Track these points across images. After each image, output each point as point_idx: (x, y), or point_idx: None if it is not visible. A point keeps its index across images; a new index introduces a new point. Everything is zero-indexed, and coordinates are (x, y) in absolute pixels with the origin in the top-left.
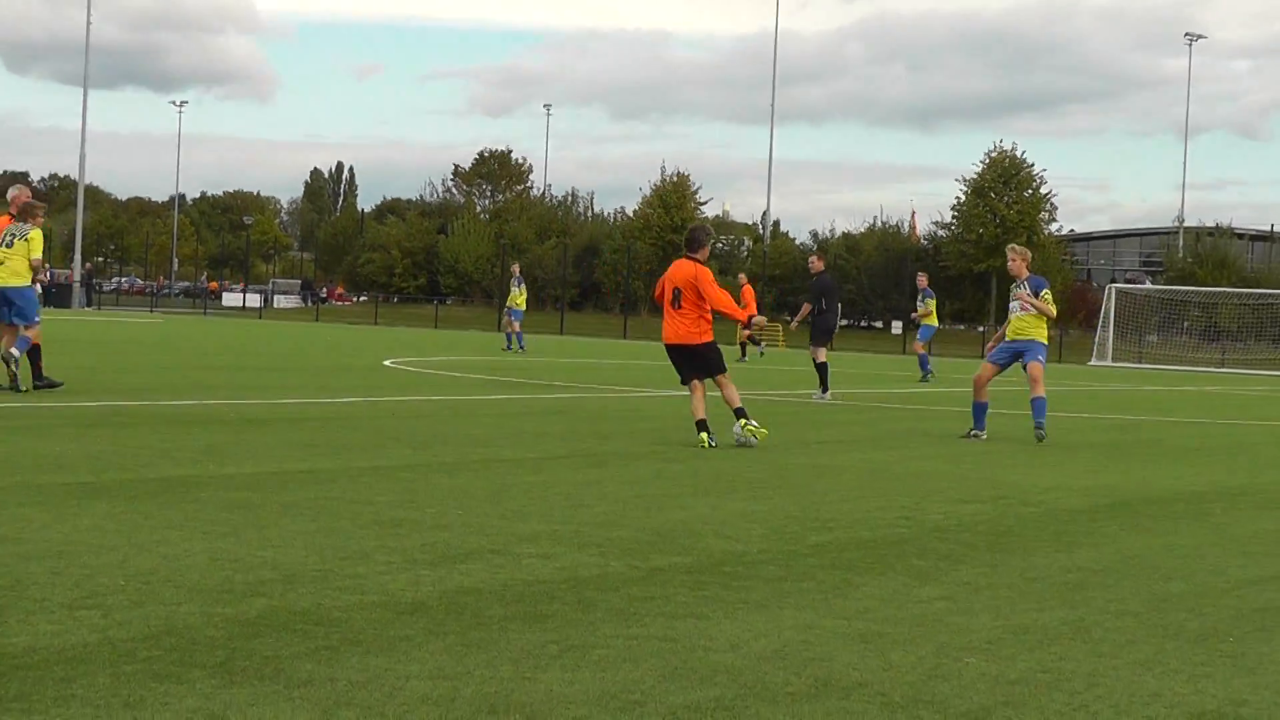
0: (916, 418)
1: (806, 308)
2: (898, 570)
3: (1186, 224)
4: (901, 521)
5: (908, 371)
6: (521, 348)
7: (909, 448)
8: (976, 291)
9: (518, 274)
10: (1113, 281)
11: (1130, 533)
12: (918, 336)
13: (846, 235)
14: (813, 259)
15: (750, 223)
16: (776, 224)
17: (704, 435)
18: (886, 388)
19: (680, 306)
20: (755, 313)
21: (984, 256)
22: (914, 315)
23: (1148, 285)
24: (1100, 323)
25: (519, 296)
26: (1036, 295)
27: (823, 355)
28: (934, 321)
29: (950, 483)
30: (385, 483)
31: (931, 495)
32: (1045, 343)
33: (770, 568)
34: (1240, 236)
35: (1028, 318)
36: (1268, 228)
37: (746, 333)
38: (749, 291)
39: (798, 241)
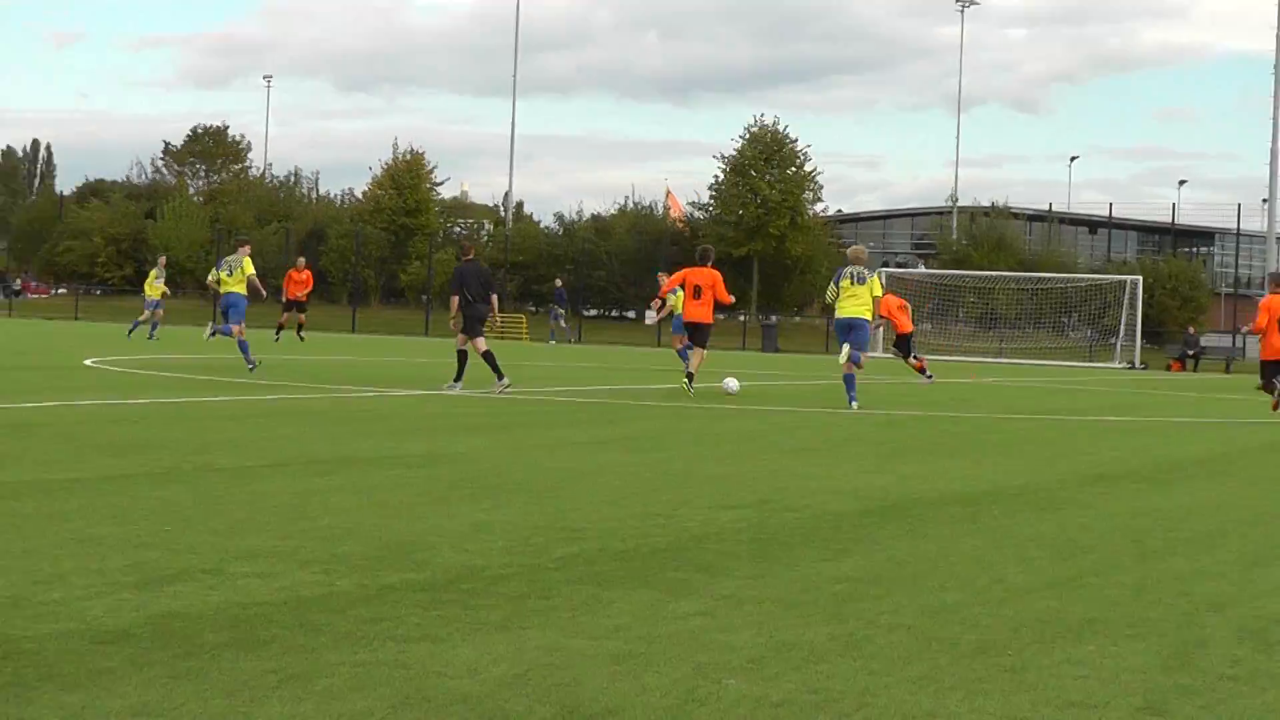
0: (674, 415)
1: (454, 300)
2: (652, 584)
3: (961, 203)
4: (657, 530)
5: (667, 365)
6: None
7: (666, 448)
8: (736, 278)
9: (161, 264)
10: (884, 265)
11: (903, 538)
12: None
13: (596, 217)
14: (464, 242)
15: (491, 205)
16: (520, 206)
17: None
18: (644, 382)
19: (700, 298)
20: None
21: (744, 239)
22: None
23: (921, 269)
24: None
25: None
26: None
27: (484, 344)
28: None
29: (710, 486)
30: (84, 496)
31: (690, 500)
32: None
33: (513, 584)
34: (1017, 216)
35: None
36: (1045, 206)
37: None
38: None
39: (543, 225)
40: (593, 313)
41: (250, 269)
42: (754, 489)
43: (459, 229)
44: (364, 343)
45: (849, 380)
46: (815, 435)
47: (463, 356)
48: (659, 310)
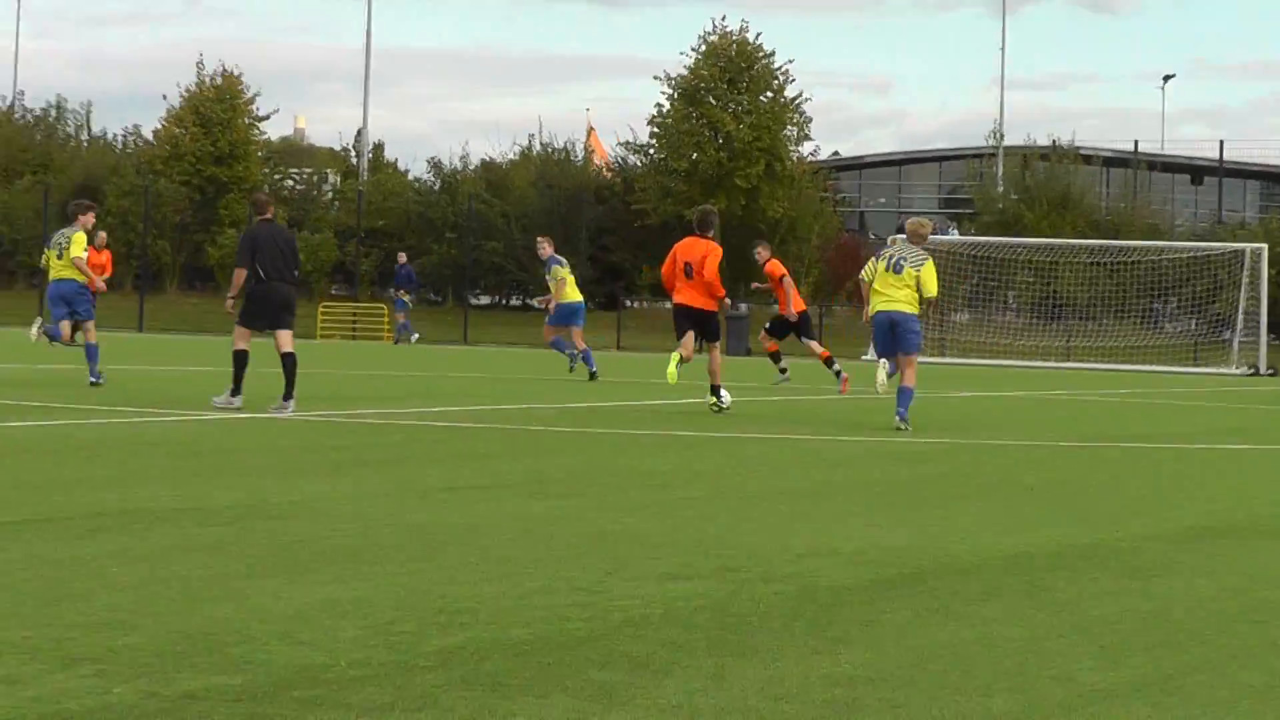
0: (599, 447)
1: (240, 274)
2: (569, 690)
3: (1009, 142)
4: (576, 611)
5: (589, 378)
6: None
7: (587, 493)
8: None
9: (550, 252)
10: (899, 231)
11: (927, 621)
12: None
13: (487, 165)
14: (259, 195)
15: (338, 148)
16: (378, 150)
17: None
18: (558, 398)
19: (692, 278)
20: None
21: (700, 195)
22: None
23: (953, 235)
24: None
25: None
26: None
27: (289, 342)
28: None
29: (652, 548)
30: None
31: (623, 568)
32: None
33: (370, 690)
34: (1089, 160)
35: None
36: (1128, 146)
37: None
38: None
39: (412, 176)
40: (484, 301)
41: (79, 249)
42: (714, 551)
43: (292, 182)
44: (157, 345)
45: (902, 394)
46: (802, 474)
47: (241, 359)
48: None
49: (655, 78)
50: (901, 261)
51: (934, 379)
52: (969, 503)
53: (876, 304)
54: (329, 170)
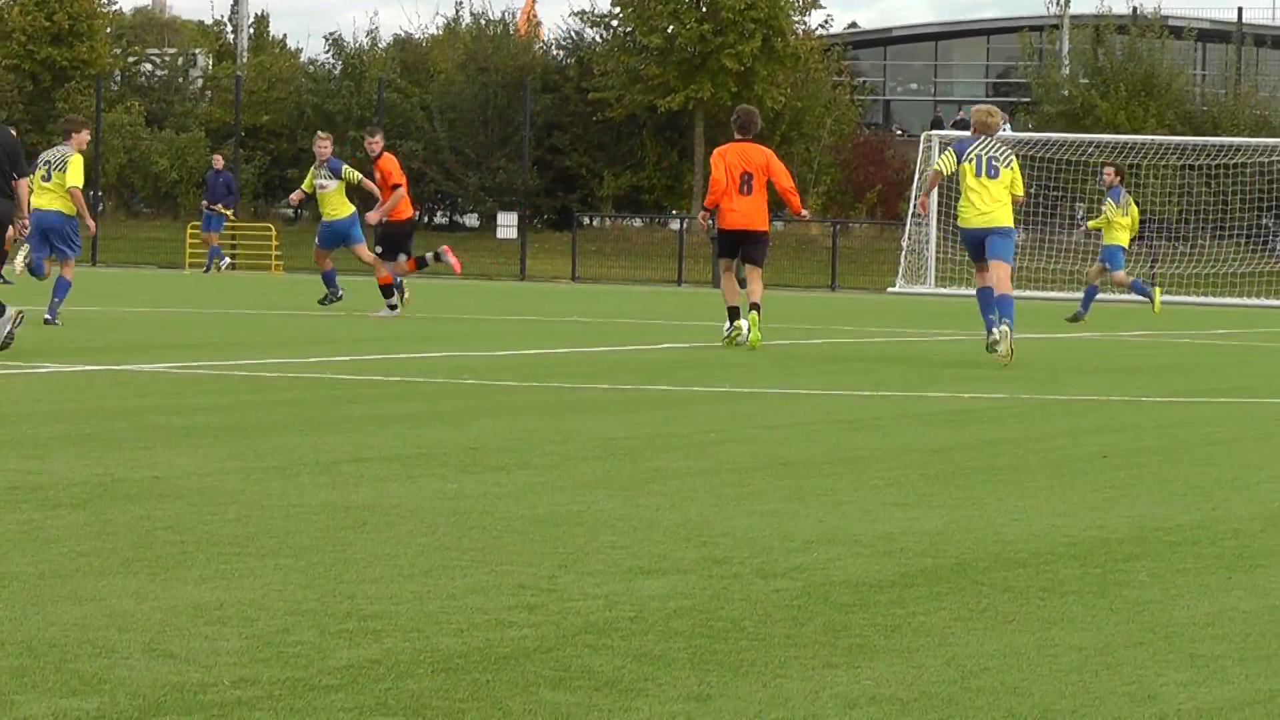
0: (542, 406)
1: None
2: (510, 715)
3: (1076, 9)
4: (522, 615)
5: (525, 304)
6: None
7: (530, 466)
8: (666, 150)
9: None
10: (934, 127)
11: (970, 623)
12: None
13: (402, 42)
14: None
15: (209, 22)
16: (261, 23)
17: (739, 324)
18: (489, 344)
19: (751, 191)
20: None
21: (679, 82)
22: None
23: (1005, 130)
24: (909, 209)
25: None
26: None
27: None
28: (1123, 238)
29: (616, 534)
30: None
31: (578, 561)
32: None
33: (259, 715)
34: (1180, 35)
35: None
36: (1230, 14)
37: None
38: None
39: (304, 57)
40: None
41: (78, 175)
42: (698, 539)
43: (150, 66)
44: None
45: (1005, 303)
46: (810, 440)
47: None
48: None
49: None
50: (994, 162)
51: (975, 316)
52: (1024, 476)
53: (970, 218)
54: (197, 50)
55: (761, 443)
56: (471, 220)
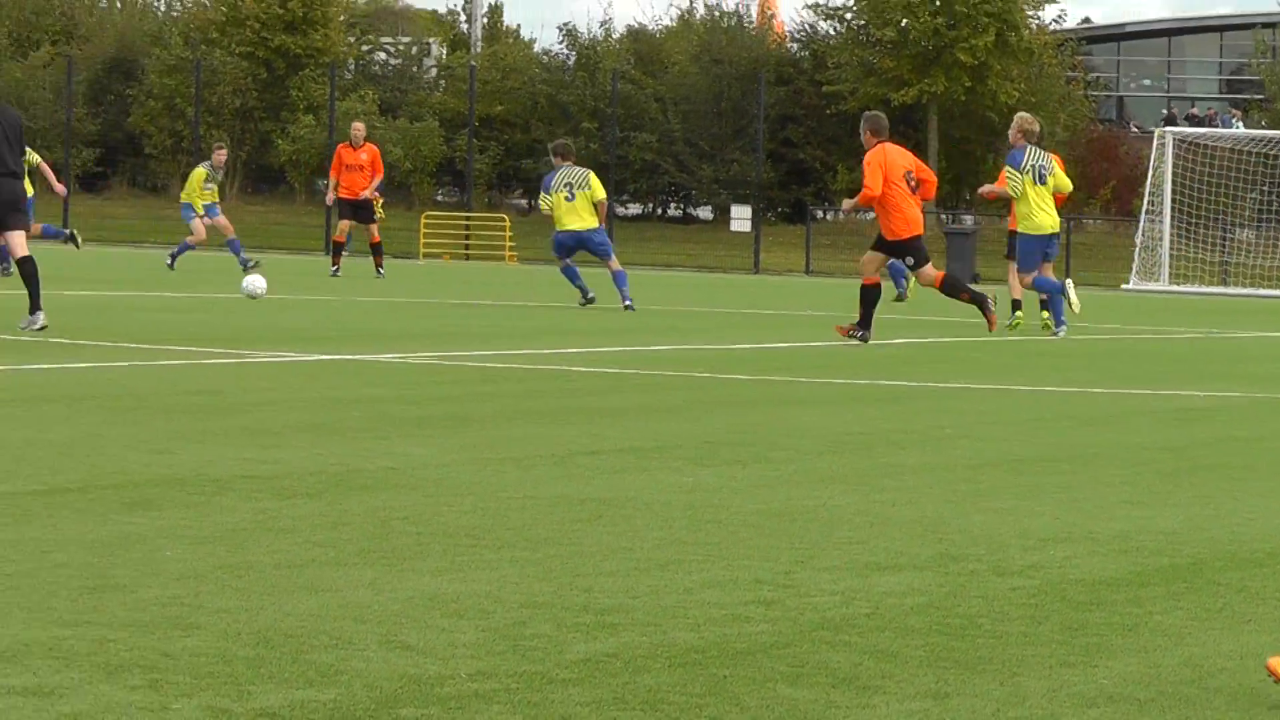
0: (799, 401)
1: None
2: (747, 710)
3: None
4: (758, 610)
5: (758, 297)
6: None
7: (755, 460)
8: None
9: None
10: (1168, 123)
11: (1208, 622)
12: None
13: (636, 33)
14: None
15: (443, 11)
16: (496, 13)
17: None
18: (722, 337)
19: (916, 191)
20: None
21: (912, 75)
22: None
23: (1237, 128)
24: (1144, 205)
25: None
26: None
27: (23, 246)
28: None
29: (857, 530)
30: None
31: (819, 554)
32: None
33: (496, 709)
34: None
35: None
36: None
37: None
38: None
39: (538, 47)
40: (633, 210)
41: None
42: (934, 535)
43: (384, 55)
44: (211, 264)
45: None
46: (1044, 436)
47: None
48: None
49: None
50: (1044, 171)
51: (1212, 314)
52: (1259, 475)
53: (1042, 223)
54: (432, 40)
55: (995, 439)
56: (705, 213)
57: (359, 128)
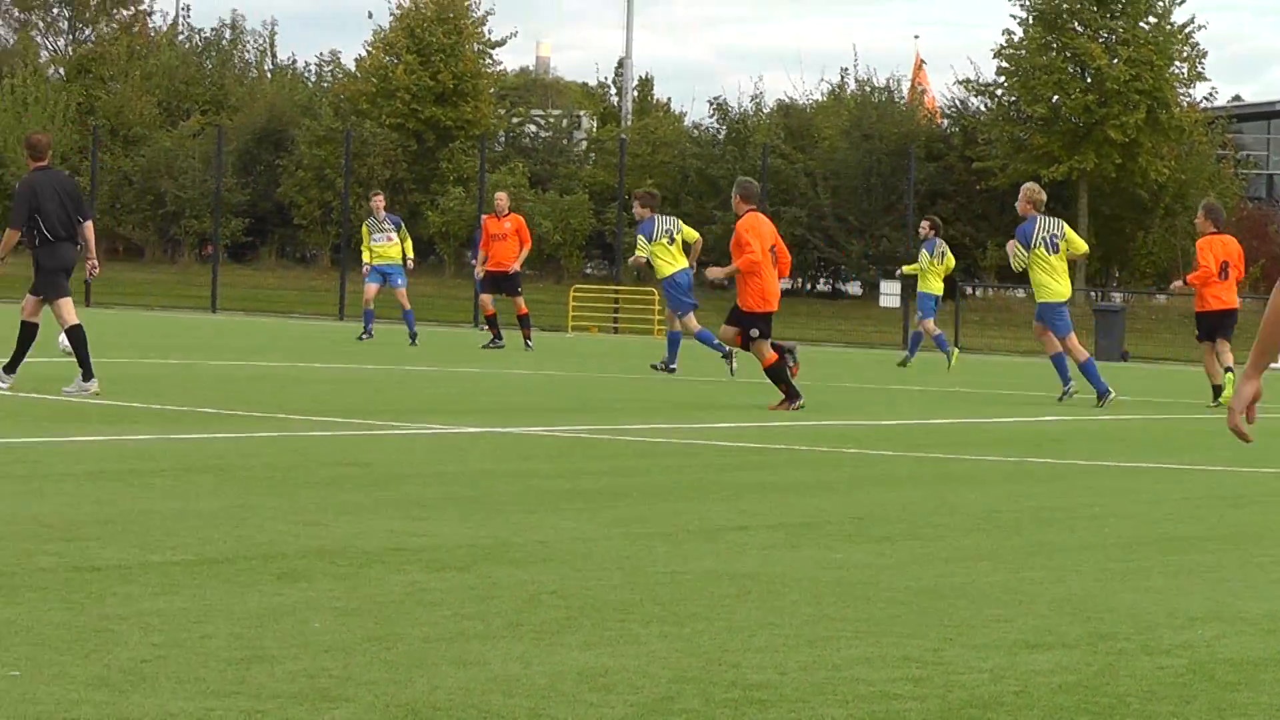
0: (949, 478)
1: (13, 235)
2: None
3: None
4: (907, 686)
5: (907, 373)
6: (366, 333)
7: (927, 536)
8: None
9: (380, 208)
10: None
11: None
12: (917, 309)
13: (786, 108)
14: (36, 136)
15: (593, 84)
16: (645, 85)
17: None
18: (872, 412)
19: (1227, 277)
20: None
21: (1063, 153)
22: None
23: None
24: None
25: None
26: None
27: (72, 314)
28: (936, 287)
29: (1005, 607)
30: None
31: (967, 632)
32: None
33: None
34: None
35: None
36: None
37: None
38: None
39: (688, 120)
40: (783, 285)
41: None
42: (1082, 613)
43: (535, 127)
44: (357, 331)
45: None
46: (1192, 515)
47: (30, 331)
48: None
49: None
50: (1056, 239)
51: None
52: None
53: (1061, 290)
54: (581, 112)
55: (1144, 518)
56: (854, 288)
57: (501, 197)
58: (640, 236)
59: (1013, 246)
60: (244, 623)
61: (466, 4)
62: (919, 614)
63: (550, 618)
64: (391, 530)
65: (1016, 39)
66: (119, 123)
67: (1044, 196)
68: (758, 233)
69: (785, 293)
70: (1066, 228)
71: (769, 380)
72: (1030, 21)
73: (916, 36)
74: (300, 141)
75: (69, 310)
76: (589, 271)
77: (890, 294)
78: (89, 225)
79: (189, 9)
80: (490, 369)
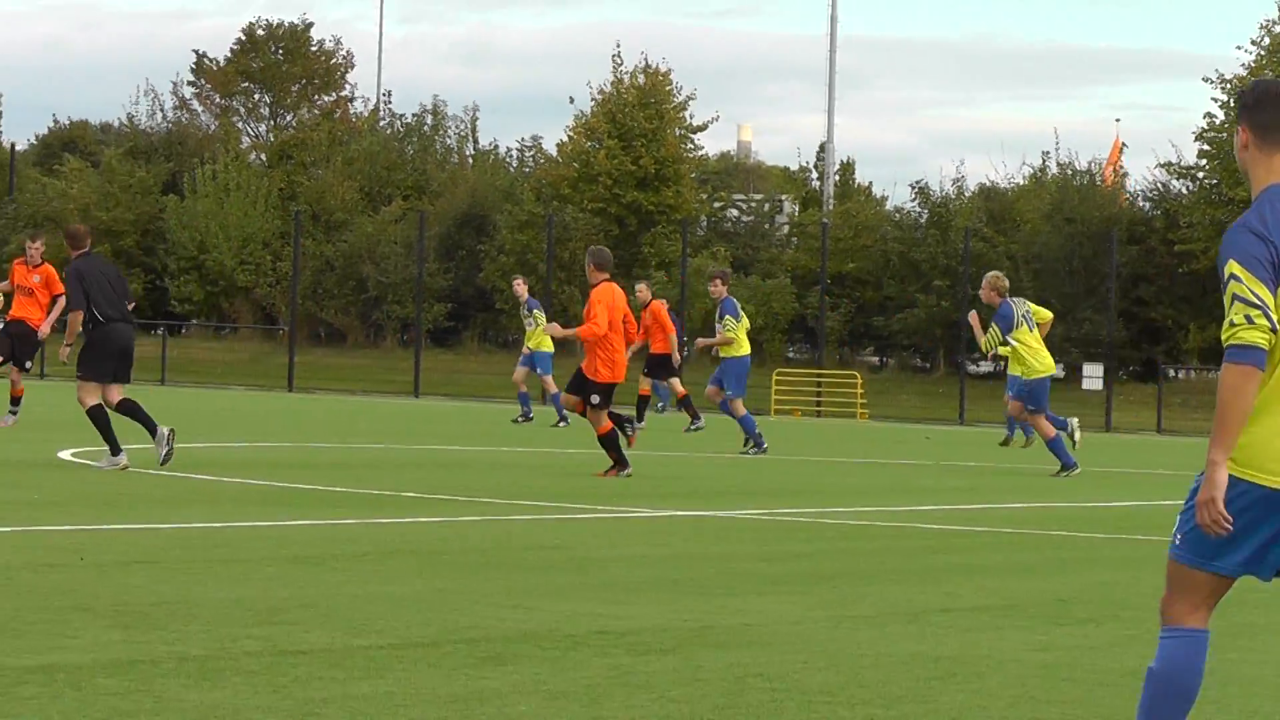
0: (1155, 562)
1: (77, 317)
2: None
3: None
4: None
5: (1110, 455)
6: (526, 415)
7: (1132, 618)
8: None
9: (525, 294)
10: None
11: None
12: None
13: (988, 191)
14: (75, 227)
15: (794, 168)
16: (847, 170)
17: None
18: (1084, 495)
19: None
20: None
21: None
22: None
23: None
24: None
25: (537, 330)
26: None
27: (93, 398)
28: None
29: (1209, 688)
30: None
31: None
32: None
33: None
34: None
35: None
36: None
37: None
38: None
39: (890, 204)
40: (984, 369)
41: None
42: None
43: (736, 212)
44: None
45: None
46: None
47: (101, 413)
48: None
49: (1205, 79)
50: (1029, 316)
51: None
52: None
53: (1048, 364)
54: (783, 197)
55: None
56: (1057, 371)
57: (642, 288)
58: (729, 318)
59: (976, 326)
60: (449, 707)
61: (668, 89)
62: (1125, 695)
63: (756, 701)
64: (596, 613)
65: (1218, 121)
66: (320, 208)
67: (1007, 283)
68: (609, 304)
69: (986, 375)
70: (1029, 304)
71: (601, 447)
72: (1231, 104)
73: (1118, 120)
74: (502, 226)
75: (95, 395)
76: (791, 355)
77: (1092, 376)
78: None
79: (390, 94)
80: (689, 453)
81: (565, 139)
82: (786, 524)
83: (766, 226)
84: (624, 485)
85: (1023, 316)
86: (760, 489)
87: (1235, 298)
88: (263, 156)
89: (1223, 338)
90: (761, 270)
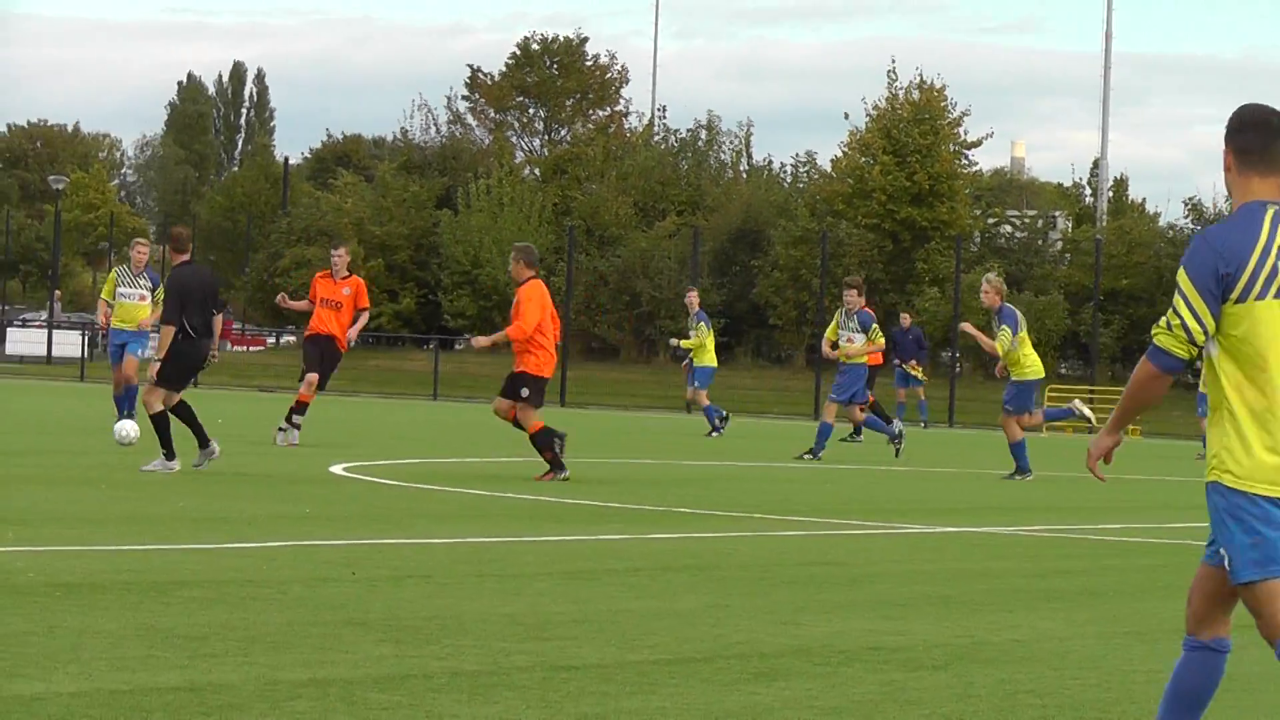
0: None
1: (170, 331)
2: None
3: None
4: None
5: None
6: (717, 429)
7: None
8: None
9: (696, 306)
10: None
11: None
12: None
13: None
14: (178, 229)
15: (1068, 184)
16: (1121, 186)
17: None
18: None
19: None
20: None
21: None
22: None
23: None
24: None
25: (703, 341)
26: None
27: (160, 403)
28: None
29: None
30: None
31: None
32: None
33: None
34: None
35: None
36: None
37: None
38: None
39: (1163, 221)
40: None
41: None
42: None
43: (1010, 228)
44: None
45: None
46: None
47: (164, 420)
48: None
49: None
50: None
51: None
52: None
53: (1040, 368)
54: (1057, 213)
55: None
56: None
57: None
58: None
59: (978, 335)
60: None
61: (943, 105)
62: (1257, 717)
63: (1028, 717)
64: (867, 629)
65: None
66: (594, 223)
67: (998, 287)
68: (538, 302)
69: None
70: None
71: (534, 448)
72: None
73: None
74: (776, 242)
75: (160, 400)
76: (1063, 371)
77: None
78: (219, 318)
79: (665, 109)
80: (954, 469)
81: (840, 154)
82: (1055, 540)
83: (1040, 243)
84: (893, 502)
85: (1023, 318)
86: (1027, 505)
87: (1173, 306)
88: (536, 171)
89: (1151, 333)
90: (1034, 286)
